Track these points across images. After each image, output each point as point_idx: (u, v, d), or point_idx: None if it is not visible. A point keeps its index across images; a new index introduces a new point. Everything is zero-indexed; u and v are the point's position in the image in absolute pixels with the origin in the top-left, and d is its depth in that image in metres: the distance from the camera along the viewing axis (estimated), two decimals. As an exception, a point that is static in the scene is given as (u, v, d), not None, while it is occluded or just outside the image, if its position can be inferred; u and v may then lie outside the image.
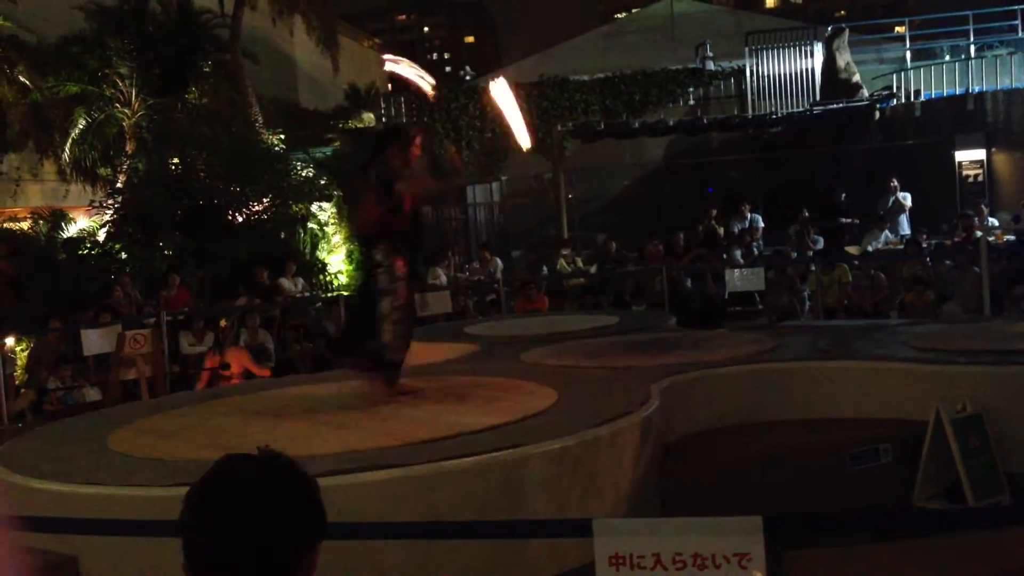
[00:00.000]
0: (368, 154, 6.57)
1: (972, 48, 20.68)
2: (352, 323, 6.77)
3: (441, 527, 4.12)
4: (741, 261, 14.73)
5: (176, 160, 16.87)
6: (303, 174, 17.61)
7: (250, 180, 16.26)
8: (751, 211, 17.64)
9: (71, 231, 16.95)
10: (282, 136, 19.71)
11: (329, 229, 17.68)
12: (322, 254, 17.36)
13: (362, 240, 6.46)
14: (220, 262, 14.70)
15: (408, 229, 6.29)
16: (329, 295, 14.85)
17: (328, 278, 16.88)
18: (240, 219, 16.13)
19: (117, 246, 15.45)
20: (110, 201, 16.45)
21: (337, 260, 17.68)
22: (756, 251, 16.01)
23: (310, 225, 17.23)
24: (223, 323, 11.91)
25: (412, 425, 5.42)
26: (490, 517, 4.44)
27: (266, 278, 14.06)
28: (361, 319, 6.42)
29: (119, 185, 17.26)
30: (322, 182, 17.69)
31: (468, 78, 26.98)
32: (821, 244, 15.71)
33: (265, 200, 16.40)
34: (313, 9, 22.07)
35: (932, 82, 19.39)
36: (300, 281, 14.77)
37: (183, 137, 17.10)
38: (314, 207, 17.50)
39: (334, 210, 17.78)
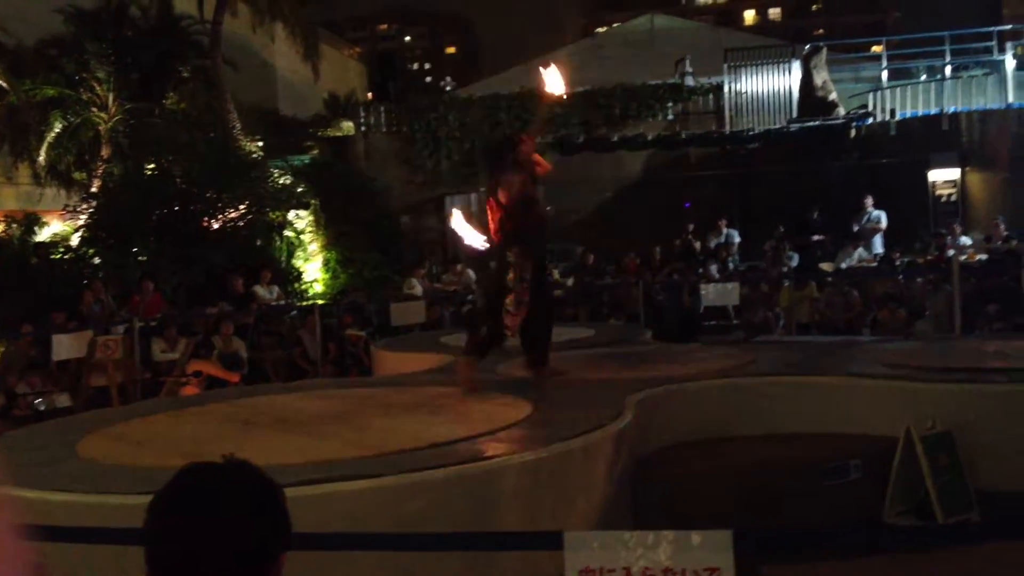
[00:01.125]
0: (495, 161, 7.05)
1: (948, 69, 20.94)
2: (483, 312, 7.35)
3: (411, 539, 4.10)
4: (717, 276, 14.80)
5: (152, 165, 16.78)
6: (281, 181, 17.57)
7: (227, 186, 16.19)
8: (727, 226, 17.75)
9: (44, 235, 16.82)
10: (260, 143, 19.66)
11: (306, 237, 17.62)
12: (298, 262, 17.30)
13: (497, 240, 6.93)
14: (195, 269, 14.62)
15: (536, 232, 6.87)
16: (304, 303, 14.79)
17: (304, 286, 16.82)
18: (216, 226, 16.06)
19: (91, 251, 15.33)
20: (84, 205, 16.34)
21: (313, 268, 17.63)
22: (732, 266, 16.10)
23: (287, 233, 17.18)
24: (183, 344, 11.74)
25: (384, 435, 5.40)
26: (461, 529, 4.43)
27: (241, 286, 13.99)
28: (489, 311, 6.99)
29: (94, 190, 17.16)
30: (300, 190, 17.65)
31: (448, 88, 27.03)
32: (796, 260, 15.82)
33: (242, 207, 16.34)
34: (294, 17, 22.04)
35: (908, 101, 19.61)
36: (275, 289, 14.70)
37: (160, 142, 17.02)
38: (291, 215, 17.46)
39: (311, 218, 17.74)
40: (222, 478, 1.59)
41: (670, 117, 21.52)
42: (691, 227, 17.80)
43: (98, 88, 18.11)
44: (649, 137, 20.52)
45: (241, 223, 16.31)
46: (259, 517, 1.58)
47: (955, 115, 18.46)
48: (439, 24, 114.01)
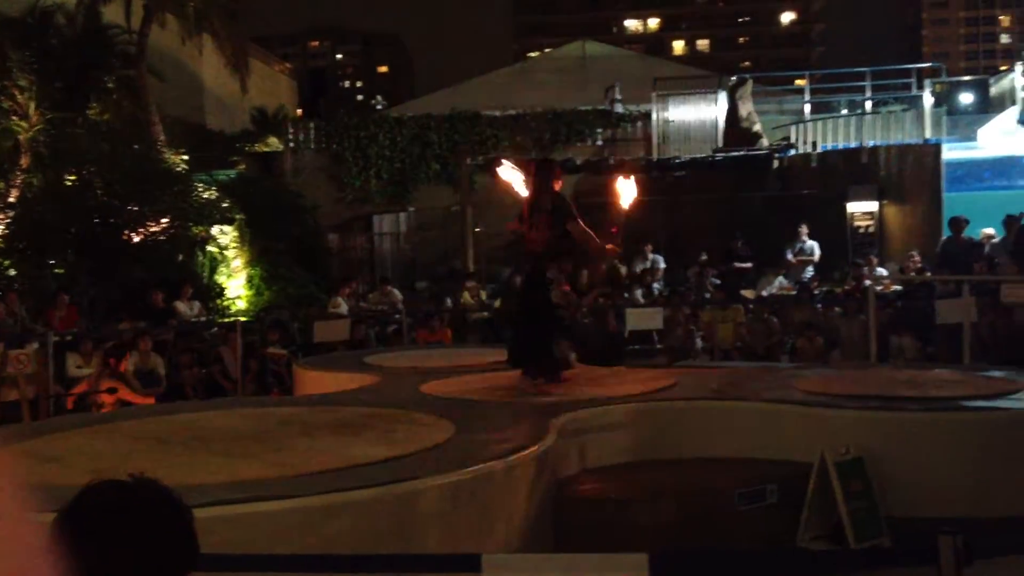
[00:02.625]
0: (542, 183, 7.67)
1: (868, 103, 21.53)
2: (528, 335, 7.62)
3: (329, 560, 4.06)
4: (642, 300, 14.96)
5: (73, 176, 16.42)
6: (205, 196, 17.31)
7: (150, 200, 15.91)
8: (653, 252, 17.96)
9: (-43, 245, 16.31)
10: (185, 156, 19.35)
11: (230, 253, 17.37)
12: (221, 278, 17.04)
13: (534, 258, 7.57)
14: (113, 283, 14.31)
15: (571, 251, 7.67)
16: (226, 320, 14.57)
17: (226, 303, 16.57)
18: (137, 239, 15.76)
19: (6, 262, 14.93)
20: (1, 216, 15.91)
21: (236, 285, 17.37)
22: (656, 291, 16.29)
23: (210, 248, 16.92)
24: (97, 359, 11.46)
25: (305, 456, 5.34)
26: (381, 550, 4.40)
27: (161, 301, 13.73)
28: (537, 331, 7.46)
29: (12, 200, 16.70)
30: (224, 205, 17.40)
31: (379, 107, 26.99)
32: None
33: (164, 221, 16.06)
34: (224, 30, 21.81)
35: (829, 134, 20.11)
36: (196, 305, 14.46)
37: (82, 153, 16.65)
38: (215, 230, 17.20)
39: (236, 234, 17.49)
40: (126, 496, 1.57)
41: (599, 142, 21.77)
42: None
43: (19, 96, 17.64)
44: (578, 162, 20.70)
45: (163, 237, 16.03)
46: (163, 537, 1.55)
47: (874, 149, 18.96)
48: (372, 43, 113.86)
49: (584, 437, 6.43)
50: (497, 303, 16.45)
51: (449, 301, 15.86)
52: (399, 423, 6.29)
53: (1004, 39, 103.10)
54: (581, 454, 6.37)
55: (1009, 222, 14.44)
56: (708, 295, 15.15)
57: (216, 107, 34.54)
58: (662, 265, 17.77)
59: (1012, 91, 21.37)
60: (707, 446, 6.70)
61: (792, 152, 20.06)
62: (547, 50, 37.19)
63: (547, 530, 5.57)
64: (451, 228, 21.11)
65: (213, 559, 2.87)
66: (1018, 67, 21.04)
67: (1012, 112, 20.48)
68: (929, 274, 14.80)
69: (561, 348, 7.51)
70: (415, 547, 4.60)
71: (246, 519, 4.30)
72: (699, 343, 13.30)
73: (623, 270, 17.47)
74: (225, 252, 17.31)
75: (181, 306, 13.98)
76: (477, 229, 20.79)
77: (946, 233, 15.84)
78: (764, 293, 15.57)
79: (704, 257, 16.97)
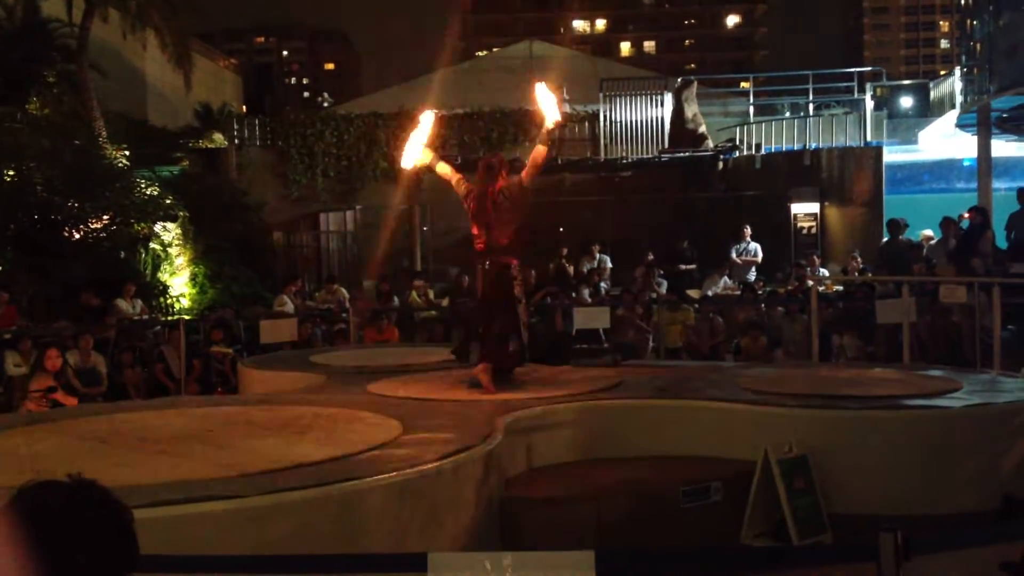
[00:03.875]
0: (491, 180, 7.79)
1: (810, 106, 21.84)
2: (489, 327, 7.57)
3: (273, 561, 4.02)
4: (589, 300, 15.02)
5: (12, 172, 16.09)
6: (147, 192, 17.05)
7: (90, 196, 15.64)
8: (600, 251, 18.05)
9: None
10: (127, 152, 19.05)
11: (173, 250, 17.13)
12: (164, 276, 16.80)
13: (496, 253, 7.54)
14: (53, 280, 14.04)
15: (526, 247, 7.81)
16: (169, 318, 14.36)
17: (169, 301, 16.33)
18: (77, 236, 15.48)
19: (-59, 260, 14.59)
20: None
21: (180, 283, 17.13)
22: (603, 290, 16.37)
23: (152, 245, 16.66)
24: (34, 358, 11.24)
25: (249, 455, 5.29)
26: (327, 550, 4.36)
27: (93, 300, 13.48)
28: (499, 324, 7.46)
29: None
30: (167, 202, 17.15)
31: (326, 104, 26.80)
32: (665, 287, 16.19)
33: (105, 218, 15.79)
34: (167, 25, 21.51)
35: (772, 137, 20.37)
36: (139, 303, 14.23)
37: (21, 149, 16.31)
38: (158, 227, 16.95)
39: (179, 231, 17.25)
40: (64, 497, 1.54)
41: (547, 142, 21.81)
42: (565, 251, 18.05)
43: (-45, 90, 17.29)
44: (525, 161, 20.73)
45: (104, 234, 15.77)
46: (102, 538, 1.52)
47: (816, 151, 19.25)
48: (318, 39, 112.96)
49: (531, 436, 6.45)
50: (445, 302, 16.42)
51: (397, 300, 15.78)
52: (345, 422, 6.25)
53: (943, 44, 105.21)
54: (528, 453, 6.38)
55: (946, 224, 14.73)
56: (655, 295, 15.25)
57: (159, 103, 34.07)
58: (609, 264, 17.86)
59: (951, 95, 21.80)
60: (652, 444, 6.75)
61: (736, 154, 20.28)
62: (495, 50, 37.20)
63: (494, 529, 5.57)
64: (399, 227, 21.03)
65: (154, 560, 2.83)
66: (957, 71, 21.45)
67: (951, 116, 20.88)
68: (870, 275, 15.03)
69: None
70: (361, 547, 4.58)
71: (188, 520, 4.24)
72: (650, 342, 13.39)
73: (571, 269, 17.55)
74: (168, 249, 17.07)
75: (123, 304, 13.74)
76: (425, 228, 20.72)
77: (887, 235, 16.12)
78: (709, 293, 15.71)
79: (651, 257, 17.10)
